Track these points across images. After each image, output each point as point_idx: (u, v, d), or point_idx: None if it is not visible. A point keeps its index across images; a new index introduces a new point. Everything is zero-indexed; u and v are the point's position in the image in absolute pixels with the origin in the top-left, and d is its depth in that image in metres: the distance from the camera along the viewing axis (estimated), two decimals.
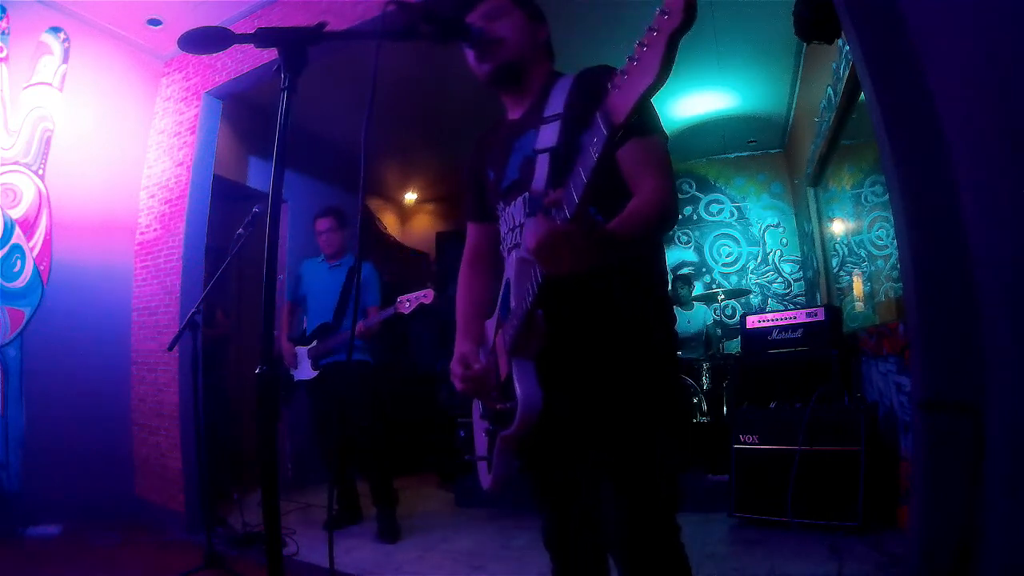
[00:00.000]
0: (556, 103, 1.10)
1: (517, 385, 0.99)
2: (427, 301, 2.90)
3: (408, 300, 2.92)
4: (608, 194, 0.85)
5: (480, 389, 1.13)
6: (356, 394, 3.09)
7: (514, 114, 1.22)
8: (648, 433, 1.02)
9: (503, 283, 1.11)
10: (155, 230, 3.59)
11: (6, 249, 3.09)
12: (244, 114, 4.13)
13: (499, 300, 1.13)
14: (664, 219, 0.97)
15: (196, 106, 3.57)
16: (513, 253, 1.06)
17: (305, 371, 3.16)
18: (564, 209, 0.77)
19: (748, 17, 3.37)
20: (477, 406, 1.25)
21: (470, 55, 1.16)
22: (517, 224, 1.12)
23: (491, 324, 1.17)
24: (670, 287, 5.24)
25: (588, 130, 0.71)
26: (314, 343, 3.15)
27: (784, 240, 5.45)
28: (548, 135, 1.07)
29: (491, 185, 1.21)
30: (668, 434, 1.05)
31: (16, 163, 3.17)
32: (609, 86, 0.67)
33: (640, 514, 0.99)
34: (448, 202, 6.57)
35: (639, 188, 0.99)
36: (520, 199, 1.11)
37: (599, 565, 1.19)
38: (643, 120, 1.03)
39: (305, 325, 3.34)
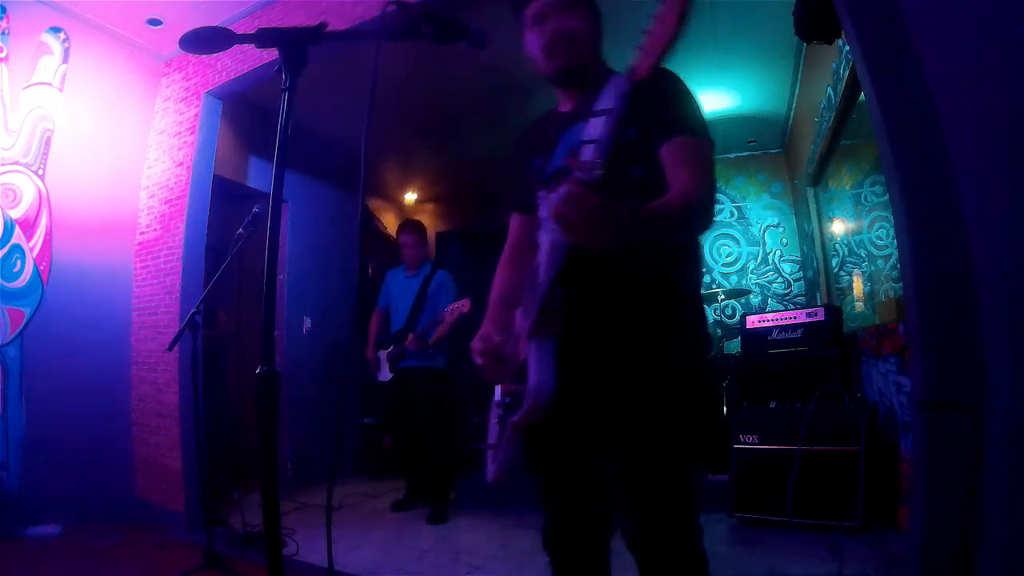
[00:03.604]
0: (608, 99, 1.10)
1: (530, 368, 0.97)
2: (465, 310, 3.23)
3: (450, 310, 3.29)
4: (651, 193, 0.89)
5: (498, 367, 1.12)
6: (421, 396, 3.43)
7: (565, 106, 1.23)
8: (677, 433, 1.01)
9: (534, 268, 1.10)
10: (155, 230, 3.59)
11: (6, 249, 3.09)
12: (244, 114, 4.13)
13: (528, 286, 1.12)
14: (688, 211, 0.96)
15: (196, 106, 3.56)
16: (546, 235, 1.06)
17: (385, 374, 3.60)
18: (590, 170, 0.78)
19: (748, 17, 3.36)
20: (497, 393, 1.23)
21: (535, 46, 1.15)
22: None
23: (520, 313, 1.16)
24: None
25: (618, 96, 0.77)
26: (391, 348, 3.54)
27: (784, 240, 5.44)
28: (596, 127, 1.08)
29: (536, 173, 1.22)
30: (697, 434, 1.04)
31: (16, 163, 3.17)
32: (635, 49, 0.75)
33: (665, 517, 0.99)
34: (448, 202, 6.55)
35: (674, 182, 0.99)
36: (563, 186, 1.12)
37: (600, 567, 1.17)
38: (693, 122, 1.06)
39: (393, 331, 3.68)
